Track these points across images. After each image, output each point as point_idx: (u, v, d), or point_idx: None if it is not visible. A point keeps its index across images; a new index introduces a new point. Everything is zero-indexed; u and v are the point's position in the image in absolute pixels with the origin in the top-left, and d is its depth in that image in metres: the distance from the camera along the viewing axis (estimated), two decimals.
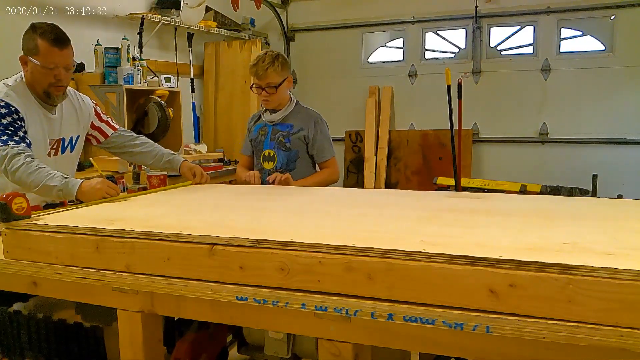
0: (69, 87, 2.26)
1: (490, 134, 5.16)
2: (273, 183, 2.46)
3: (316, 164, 2.72)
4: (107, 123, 2.39)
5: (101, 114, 2.38)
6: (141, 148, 2.42)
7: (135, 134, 2.47)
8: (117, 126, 2.42)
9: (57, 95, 2.13)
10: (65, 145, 2.25)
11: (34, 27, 2.05)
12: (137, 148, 2.41)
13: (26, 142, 2.00)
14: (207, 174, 2.42)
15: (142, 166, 3.12)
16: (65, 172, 2.21)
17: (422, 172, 5.28)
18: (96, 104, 2.40)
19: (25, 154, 1.95)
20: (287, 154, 2.63)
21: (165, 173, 2.51)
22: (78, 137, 2.30)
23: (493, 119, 5.11)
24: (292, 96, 2.72)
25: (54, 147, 2.20)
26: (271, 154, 2.65)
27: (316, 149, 2.65)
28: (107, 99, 3.75)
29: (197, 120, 5.12)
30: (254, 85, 2.62)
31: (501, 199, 1.98)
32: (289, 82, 2.66)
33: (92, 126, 2.34)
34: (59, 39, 2.04)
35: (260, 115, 2.76)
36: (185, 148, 4.26)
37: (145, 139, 2.47)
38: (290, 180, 2.49)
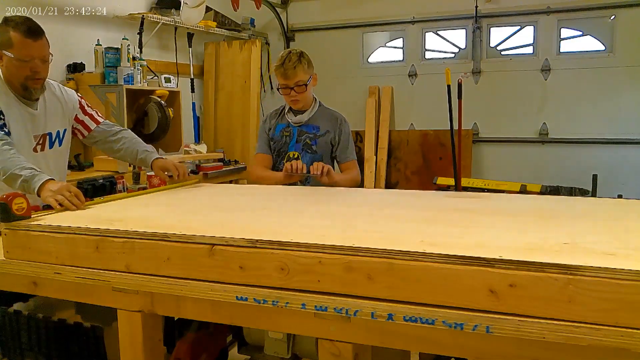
0: (52, 81, 2.22)
1: (490, 134, 5.16)
2: (314, 172, 2.36)
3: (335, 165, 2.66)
4: (91, 116, 2.30)
5: (85, 107, 2.31)
6: (121, 144, 2.31)
7: (117, 128, 2.37)
8: (100, 119, 2.33)
9: (35, 88, 2.08)
10: (53, 139, 2.20)
11: (6, 20, 2.00)
12: (117, 144, 2.31)
13: (4, 131, 1.97)
14: (184, 166, 2.31)
15: (142, 166, 3.12)
16: (57, 167, 2.21)
17: (422, 172, 5.28)
18: (82, 97, 2.34)
19: (3, 141, 1.92)
20: (312, 156, 2.57)
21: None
22: (65, 130, 2.25)
23: (493, 119, 5.11)
24: (314, 96, 2.66)
25: (40, 142, 2.15)
26: (296, 156, 2.59)
27: (339, 150, 2.61)
28: (107, 99, 3.76)
29: (197, 120, 5.13)
30: (280, 87, 2.55)
31: (501, 199, 1.98)
32: (315, 80, 2.60)
33: (76, 119, 2.28)
34: (32, 30, 1.99)
35: (281, 114, 2.68)
36: (185, 148, 4.26)
37: (127, 133, 2.37)
38: (332, 172, 2.42)
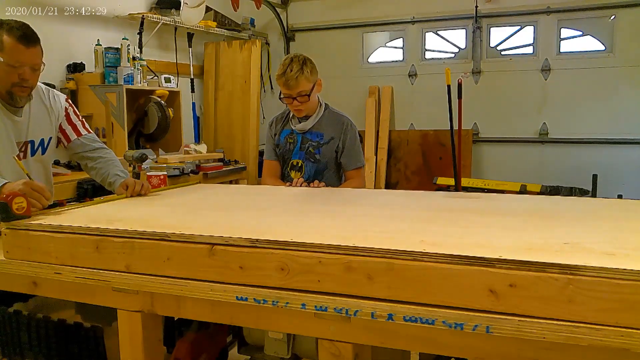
0: (42, 87, 2.16)
1: (490, 134, 5.16)
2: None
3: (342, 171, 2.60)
4: (74, 127, 2.21)
5: (71, 116, 2.22)
6: (95, 163, 2.20)
7: (98, 145, 2.26)
8: (83, 132, 2.22)
9: (21, 96, 2.00)
10: (35, 148, 2.12)
11: (1, 23, 1.91)
12: (92, 162, 2.21)
13: None
14: (146, 183, 2.16)
15: (142, 166, 3.12)
16: (38, 176, 2.12)
17: (422, 172, 5.28)
18: (70, 105, 2.24)
19: None
20: (316, 165, 2.52)
21: (165, 173, 2.48)
22: (50, 138, 2.17)
23: (493, 119, 5.12)
24: (320, 99, 2.58)
25: (22, 149, 2.09)
26: (299, 164, 2.54)
27: (344, 157, 2.54)
28: (107, 99, 3.76)
29: (197, 120, 5.13)
30: (282, 96, 2.46)
31: (501, 199, 1.98)
32: (319, 86, 2.50)
33: (60, 128, 2.20)
34: (27, 37, 1.91)
35: (287, 119, 2.62)
36: (185, 148, 4.26)
37: (105, 153, 2.25)
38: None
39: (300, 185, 2.37)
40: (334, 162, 2.57)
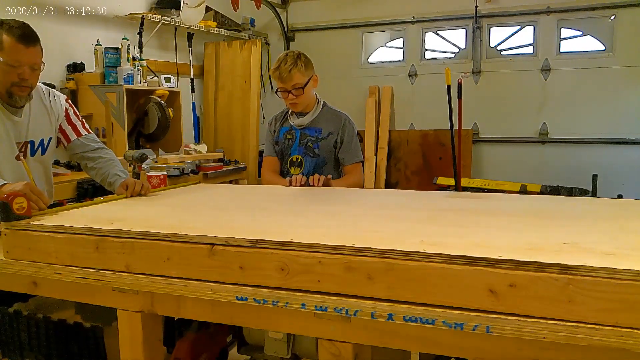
0: (42, 87, 2.16)
1: (490, 134, 5.16)
2: (313, 185, 2.32)
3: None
4: (74, 127, 2.22)
5: (71, 116, 2.22)
6: (95, 163, 2.21)
7: (97, 145, 2.26)
8: (83, 132, 2.23)
9: (20, 96, 2.00)
10: (35, 148, 2.12)
11: (0, 23, 1.92)
12: (92, 162, 2.22)
13: None
14: (146, 183, 2.15)
15: (142, 166, 3.11)
16: (39, 176, 2.14)
17: (422, 172, 5.29)
18: (70, 105, 2.25)
19: None
20: (315, 160, 2.55)
21: (165, 173, 2.48)
22: (50, 138, 2.18)
23: (493, 119, 5.12)
24: (318, 97, 2.62)
25: (22, 150, 2.08)
26: (299, 160, 2.57)
27: (342, 152, 2.57)
28: (107, 99, 3.76)
29: (197, 120, 5.13)
30: (278, 90, 2.51)
31: (501, 199, 1.98)
32: (315, 81, 2.54)
33: (60, 128, 2.20)
34: (26, 36, 1.91)
35: (286, 117, 2.65)
36: (185, 148, 4.26)
37: (105, 153, 2.25)
38: (330, 182, 2.36)
39: (301, 182, 2.38)
40: (333, 157, 2.59)
